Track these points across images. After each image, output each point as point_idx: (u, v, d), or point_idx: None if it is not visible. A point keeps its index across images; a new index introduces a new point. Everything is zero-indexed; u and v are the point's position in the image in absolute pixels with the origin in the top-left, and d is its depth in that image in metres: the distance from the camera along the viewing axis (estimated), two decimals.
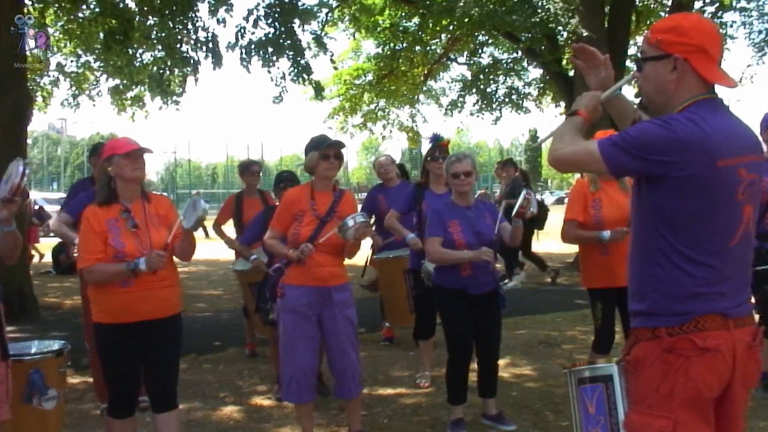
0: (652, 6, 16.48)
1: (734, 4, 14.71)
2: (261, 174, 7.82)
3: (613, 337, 5.29)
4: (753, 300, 2.93)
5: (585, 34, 12.90)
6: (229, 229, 7.67)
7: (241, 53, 11.95)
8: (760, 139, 5.50)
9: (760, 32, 14.82)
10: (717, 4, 14.63)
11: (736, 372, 2.40)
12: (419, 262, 5.81)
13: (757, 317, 5.48)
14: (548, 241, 18.10)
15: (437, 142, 6.25)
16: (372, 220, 7.11)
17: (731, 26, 15.28)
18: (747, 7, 14.73)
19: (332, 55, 13.91)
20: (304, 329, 4.59)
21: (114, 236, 3.96)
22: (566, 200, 5.96)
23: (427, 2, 14.75)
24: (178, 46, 12.06)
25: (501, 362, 5.40)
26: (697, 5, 14.33)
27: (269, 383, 6.28)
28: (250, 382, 6.46)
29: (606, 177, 5.24)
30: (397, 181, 7.55)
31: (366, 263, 8.21)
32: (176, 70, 13.00)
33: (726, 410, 2.46)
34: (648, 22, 16.94)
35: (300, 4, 12.28)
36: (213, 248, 14.73)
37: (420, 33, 16.39)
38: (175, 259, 4.25)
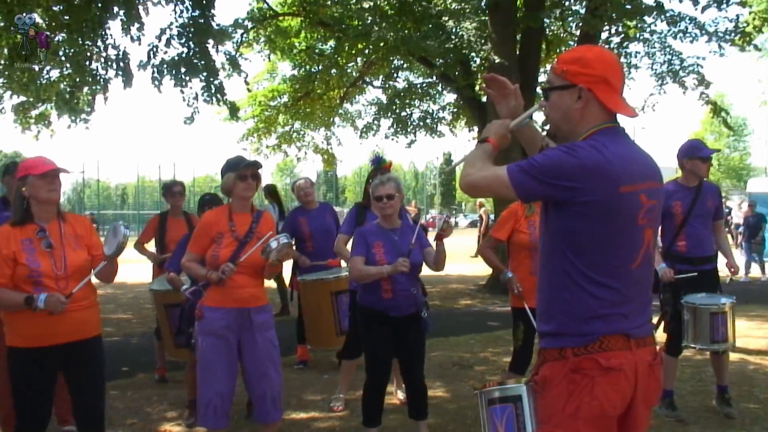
0: (561, 35, 16.98)
1: (638, 35, 15.26)
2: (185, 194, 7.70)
3: (530, 358, 5.39)
4: (655, 320, 3.02)
5: (497, 61, 13.22)
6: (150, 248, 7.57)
7: (153, 72, 11.77)
8: (677, 164, 5.81)
9: (662, 63, 15.40)
10: (622, 35, 15.16)
11: (638, 390, 2.48)
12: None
13: (665, 336, 5.70)
14: (462, 264, 18.36)
15: (379, 165, 6.27)
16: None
17: (635, 56, 15.86)
18: (650, 39, 15.28)
19: (246, 77, 13.82)
20: (222, 352, 4.52)
21: (28, 256, 3.88)
22: (478, 224, 6.08)
23: (343, 26, 14.86)
24: (88, 63, 11.76)
25: None
26: (604, 35, 14.83)
27: (179, 409, 6.14)
28: (159, 409, 6.30)
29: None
30: (317, 203, 7.57)
31: (291, 286, 8.11)
32: (85, 88, 12.66)
33: (628, 427, 2.53)
34: (558, 51, 17.46)
35: (215, 24, 12.17)
36: (121, 271, 14.34)
37: (336, 56, 16.44)
38: (93, 279, 4.16)
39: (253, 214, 4.75)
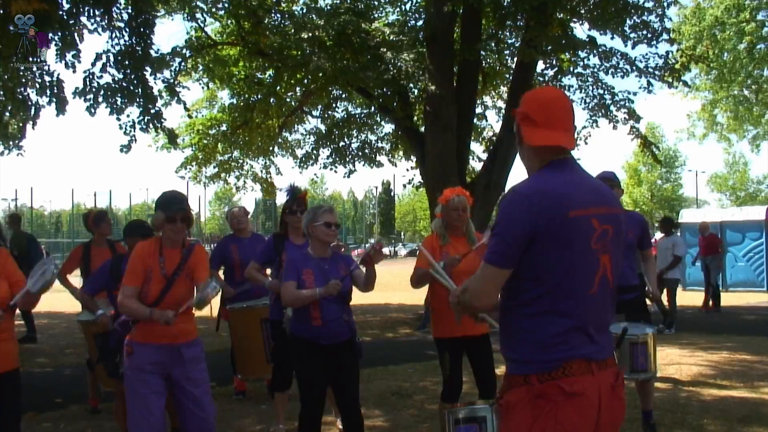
0: (497, 68, 17.30)
1: (572, 69, 15.59)
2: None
3: (460, 386, 5.42)
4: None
5: (435, 92, 13.41)
6: (76, 279, 7.39)
7: (90, 99, 11.58)
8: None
9: (594, 97, 15.72)
10: (557, 68, 15.51)
11: (602, 413, 2.54)
12: (280, 312, 5.66)
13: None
14: (402, 293, 18.37)
15: (295, 194, 6.27)
16: (222, 270, 7.12)
17: (569, 90, 16.18)
18: (583, 73, 15.63)
19: (185, 104, 13.73)
20: (152, 387, 4.45)
21: None
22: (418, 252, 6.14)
23: (282, 55, 14.88)
24: (21, 89, 11.53)
25: None
26: (540, 68, 15.15)
27: None
28: None
29: (454, 231, 5.45)
30: (250, 232, 7.57)
31: (218, 316, 8.01)
32: (18, 114, 12.38)
33: None
34: (494, 83, 17.77)
35: (155, 49, 12.10)
36: (55, 300, 13.99)
37: (275, 85, 16.42)
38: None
39: (183, 249, 4.64)
